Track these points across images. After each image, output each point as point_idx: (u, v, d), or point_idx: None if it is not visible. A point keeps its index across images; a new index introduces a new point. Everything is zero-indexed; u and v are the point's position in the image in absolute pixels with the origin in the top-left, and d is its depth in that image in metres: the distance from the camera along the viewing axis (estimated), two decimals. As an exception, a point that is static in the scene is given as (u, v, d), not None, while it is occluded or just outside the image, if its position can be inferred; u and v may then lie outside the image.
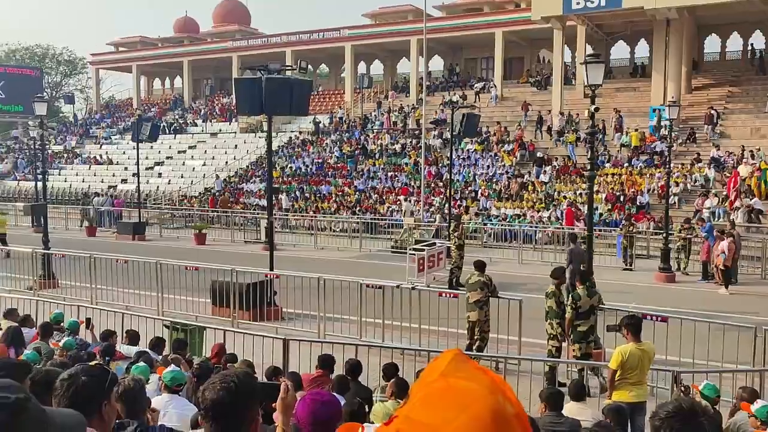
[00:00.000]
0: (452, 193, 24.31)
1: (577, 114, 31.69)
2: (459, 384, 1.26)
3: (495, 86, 37.91)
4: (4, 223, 23.73)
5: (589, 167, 12.99)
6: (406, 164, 32.68)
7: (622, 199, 25.28)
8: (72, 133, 50.31)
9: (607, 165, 28.26)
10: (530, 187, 27.89)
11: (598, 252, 17.64)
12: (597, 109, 12.51)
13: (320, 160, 35.66)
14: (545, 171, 28.58)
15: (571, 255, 14.90)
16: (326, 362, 7.64)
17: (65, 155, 45.61)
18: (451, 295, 11.62)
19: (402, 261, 17.65)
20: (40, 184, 22.36)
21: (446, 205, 23.41)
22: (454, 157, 26.52)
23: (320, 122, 39.79)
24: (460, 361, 1.35)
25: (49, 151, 40.96)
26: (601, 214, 23.91)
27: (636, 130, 29.48)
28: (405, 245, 20.37)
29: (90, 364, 3.41)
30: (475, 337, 10.82)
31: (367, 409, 6.72)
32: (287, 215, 28.69)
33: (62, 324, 9.58)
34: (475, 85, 38.94)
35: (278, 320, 12.83)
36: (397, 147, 34.74)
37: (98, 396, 2.70)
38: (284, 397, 2.57)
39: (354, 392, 6.82)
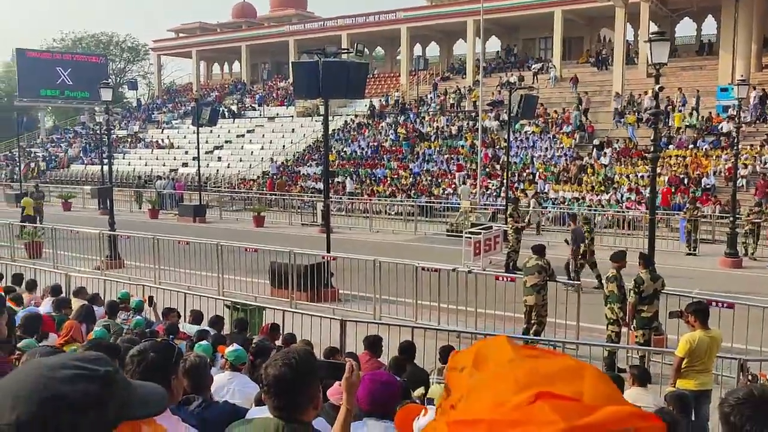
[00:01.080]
0: (509, 176, 24.00)
1: (639, 94, 30.77)
2: (553, 359, 1.23)
3: (554, 67, 37.12)
4: (29, 204, 24.17)
5: (651, 149, 12.62)
6: (462, 147, 32.42)
7: (686, 181, 24.50)
8: (135, 118, 51.76)
9: (671, 147, 27.39)
10: (589, 170, 27.29)
11: (661, 236, 17.14)
12: (661, 89, 12.12)
13: (375, 144, 35.71)
14: (605, 153, 27.92)
15: (574, 234, 14.74)
16: (373, 344, 7.65)
17: (129, 140, 46.98)
18: (508, 279, 11.51)
19: (457, 244, 17.58)
20: (106, 168, 23.14)
21: (503, 188, 23.14)
22: (511, 139, 26.14)
23: (376, 105, 39.80)
24: (522, 346, 1.31)
25: (114, 136, 42.24)
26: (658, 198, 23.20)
27: (697, 110, 28.45)
28: (460, 229, 20.26)
29: (157, 340, 3.53)
30: (532, 321, 10.72)
31: (424, 391, 6.75)
32: (342, 198, 28.90)
33: (128, 303, 9.93)
34: (533, 66, 38.23)
35: (335, 301, 12.98)
36: (453, 129, 34.49)
37: (167, 370, 2.80)
38: (349, 377, 2.60)
39: (410, 374, 6.86)
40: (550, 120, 32.09)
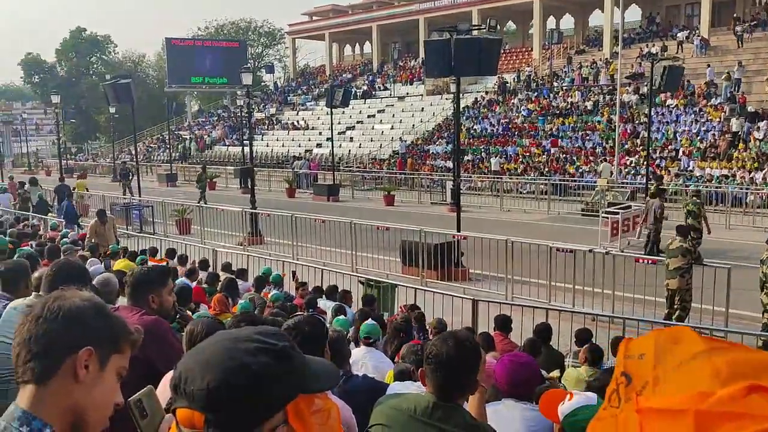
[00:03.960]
0: (650, 153, 22.72)
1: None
2: (749, 351, 1.16)
3: (700, 34, 34.53)
4: (83, 186, 25.56)
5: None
6: (599, 122, 31.06)
7: None
8: (272, 101, 54.00)
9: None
10: (741, 145, 25.25)
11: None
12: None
13: (506, 120, 35.02)
14: (759, 127, 25.68)
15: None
16: (504, 324, 7.56)
17: (267, 122, 49.12)
18: (649, 261, 10.95)
19: (593, 224, 16.94)
20: (246, 149, 24.34)
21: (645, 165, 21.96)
22: (652, 113, 24.71)
23: (507, 81, 38.97)
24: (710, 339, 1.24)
25: (254, 119, 44.35)
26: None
27: None
28: (597, 208, 19.48)
29: (307, 314, 3.70)
30: (675, 307, 10.15)
31: (559, 374, 6.60)
32: (471, 177, 28.65)
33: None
34: (678, 35, 35.78)
35: (465, 281, 12.93)
36: (589, 104, 33.10)
37: (319, 344, 2.92)
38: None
39: (545, 356, 6.73)
40: (696, 92, 29.96)
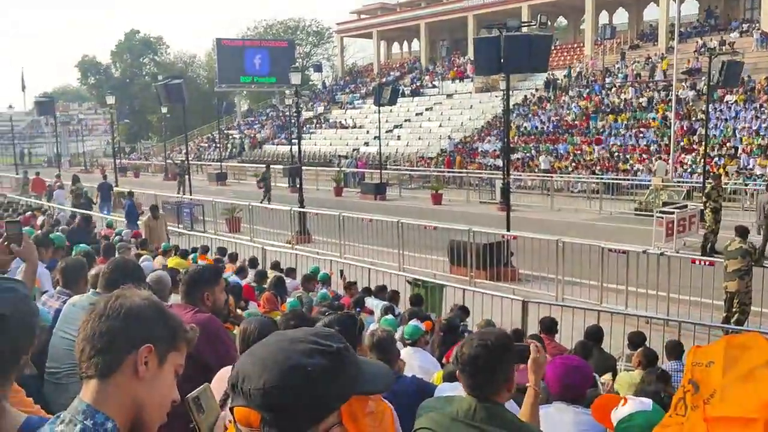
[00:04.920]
0: (708, 150, 22.05)
1: None
2: None
3: (761, 28, 33.33)
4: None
5: None
6: (653, 119, 30.31)
7: None
8: (320, 100, 54.42)
9: None
10: (804, 143, 24.29)
11: None
12: None
13: (557, 118, 34.49)
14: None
15: None
16: (550, 327, 7.42)
17: (314, 121, 49.53)
18: (706, 263, 10.62)
19: (647, 224, 16.53)
20: (295, 148, 24.57)
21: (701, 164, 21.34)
22: (710, 110, 23.97)
23: (558, 78, 38.39)
24: None
25: (302, 118, 44.80)
26: None
27: None
28: (651, 207, 19.01)
29: (340, 312, 3.70)
30: (734, 310, 9.82)
31: (611, 377, 6.45)
32: (521, 175, 28.31)
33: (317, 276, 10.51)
34: (737, 28, 34.63)
35: (515, 281, 12.77)
36: (643, 101, 32.33)
37: (352, 342, 2.90)
38: (536, 357, 2.55)
39: (597, 359, 6.59)
40: (756, 87, 28.94)
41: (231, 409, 1.19)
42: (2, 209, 15.62)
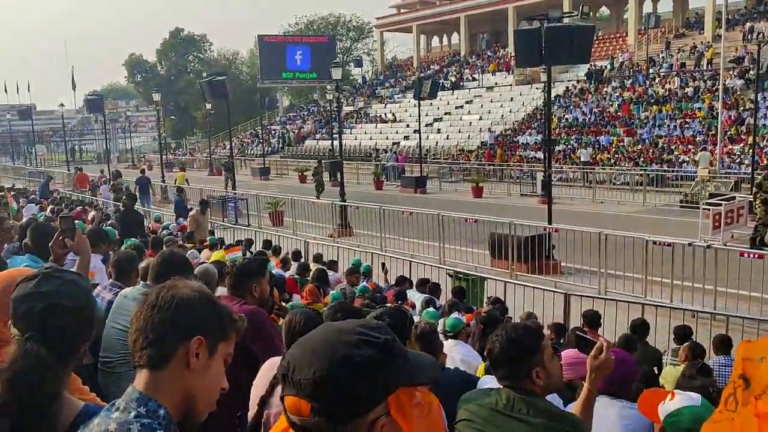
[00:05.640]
0: (757, 141, 21.44)
1: None
2: None
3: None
4: (183, 178, 26.13)
5: None
6: (699, 109, 29.57)
7: None
8: (360, 95, 54.55)
9: None
10: None
11: None
12: None
13: (599, 109, 33.92)
14: None
15: None
16: (593, 320, 7.35)
17: (355, 115, 49.68)
18: (756, 256, 10.36)
19: (693, 217, 16.20)
20: (335, 142, 24.71)
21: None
22: (759, 99, 23.27)
23: (600, 68, 37.73)
24: None
25: (343, 113, 44.98)
26: None
27: None
28: (697, 199, 18.60)
29: (390, 306, 3.74)
30: (785, 304, 9.57)
31: (656, 371, 6.38)
32: (562, 168, 27.95)
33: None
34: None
35: (556, 274, 12.67)
36: (689, 91, 31.56)
37: (401, 336, 2.95)
38: (596, 356, 2.51)
39: (642, 353, 6.52)
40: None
41: (281, 398, 1.22)
42: (55, 204, 16.13)
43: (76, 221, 4.84)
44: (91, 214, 14.52)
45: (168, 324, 1.46)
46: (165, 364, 1.46)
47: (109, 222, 11.79)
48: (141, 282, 4.09)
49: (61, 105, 46.31)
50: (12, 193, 19.19)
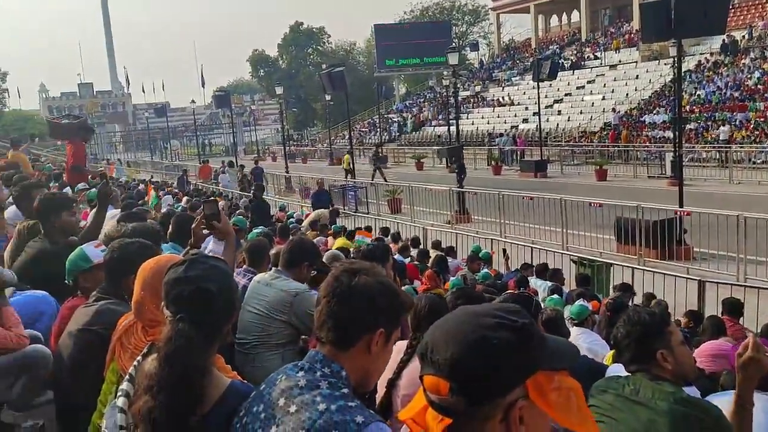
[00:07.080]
0: None
1: None
2: None
3: None
4: (347, 160, 26.86)
5: None
6: None
7: None
8: (477, 79, 53.88)
9: None
10: None
11: None
12: None
13: (736, 83, 31.57)
14: None
15: None
16: (734, 308, 6.87)
17: (471, 100, 49.16)
18: None
19: None
20: (452, 128, 24.61)
21: None
22: None
23: (736, 39, 35.05)
24: None
25: (460, 98, 44.62)
26: None
27: None
28: None
29: (517, 292, 3.72)
30: None
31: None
32: (695, 147, 26.30)
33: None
34: None
35: (688, 260, 11.99)
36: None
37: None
38: (741, 353, 2.23)
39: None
40: None
41: (421, 377, 1.26)
42: (191, 196, 17.20)
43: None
44: (221, 203, 15.36)
45: (355, 315, 1.65)
46: (348, 347, 1.66)
47: (238, 211, 12.43)
48: (272, 268, 4.30)
49: (192, 102, 49.20)
50: (152, 185, 20.64)
